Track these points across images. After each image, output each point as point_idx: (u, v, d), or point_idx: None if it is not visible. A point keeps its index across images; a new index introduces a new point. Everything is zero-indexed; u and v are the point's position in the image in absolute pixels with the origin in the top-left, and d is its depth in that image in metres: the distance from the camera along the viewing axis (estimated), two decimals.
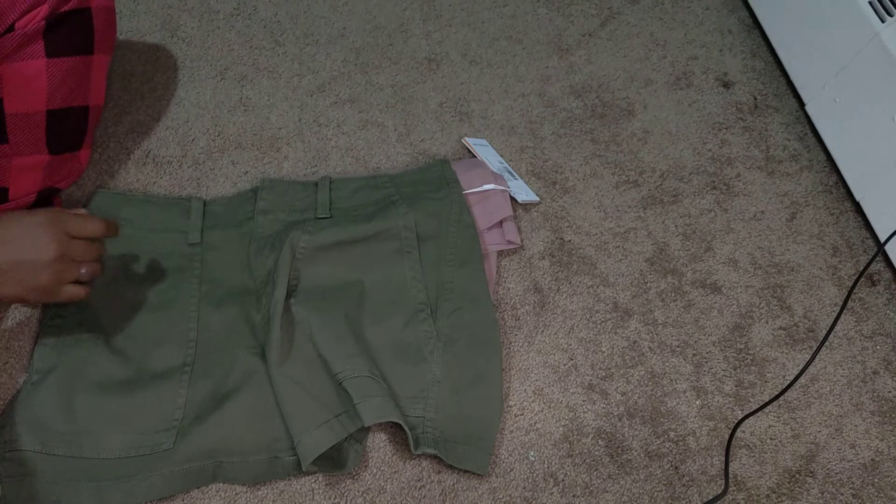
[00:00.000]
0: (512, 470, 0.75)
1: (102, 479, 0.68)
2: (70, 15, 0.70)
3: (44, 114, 0.71)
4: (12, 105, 0.69)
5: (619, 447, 0.77)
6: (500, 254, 0.89)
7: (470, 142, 0.97)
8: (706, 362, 0.84)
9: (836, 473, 0.78)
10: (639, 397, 0.80)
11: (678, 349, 0.84)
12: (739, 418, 0.80)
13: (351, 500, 0.72)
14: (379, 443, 0.75)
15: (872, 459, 0.79)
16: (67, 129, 0.75)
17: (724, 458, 0.77)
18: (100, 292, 0.78)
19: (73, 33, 0.72)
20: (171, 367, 0.74)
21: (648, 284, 0.89)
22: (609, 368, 0.82)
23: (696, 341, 0.85)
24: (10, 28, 0.67)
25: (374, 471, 0.73)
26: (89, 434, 0.69)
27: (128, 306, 0.78)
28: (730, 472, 0.76)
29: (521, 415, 0.78)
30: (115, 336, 0.76)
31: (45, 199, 0.77)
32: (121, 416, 0.70)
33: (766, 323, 0.87)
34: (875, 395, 0.83)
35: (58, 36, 0.70)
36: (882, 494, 0.77)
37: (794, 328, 0.87)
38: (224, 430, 0.70)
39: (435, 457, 0.73)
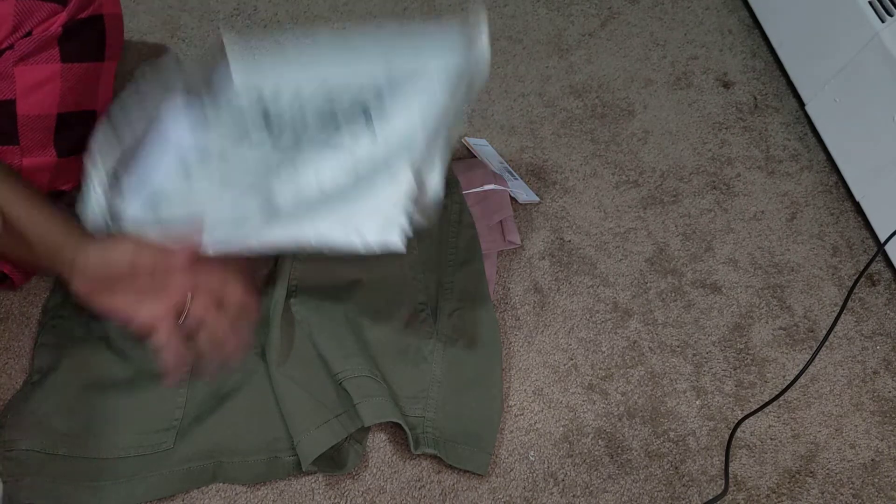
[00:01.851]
0: (512, 470, 0.75)
1: (102, 478, 0.68)
2: (85, 22, 0.73)
3: (55, 117, 0.73)
4: (25, 107, 0.70)
5: (619, 447, 0.77)
6: (500, 254, 0.89)
7: (470, 142, 0.97)
8: (706, 362, 0.84)
9: (836, 473, 0.78)
10: (639, 397, 0.80)
11: (678, 349, 0.84)
12: (739, 418, 0.80)
13: (351, 500, 0.72)
14: (379, 443, 0.75)
15: (872, 459, 0.79)
16: (75, 133, 0.77)
17: (724, 458, 0.77)
18: None
19: (87, 40, 0.75)
20: None
21: (648, 284, 0.89)
22: (609, 368, 0.82)
23: (696, 341, 0.85)
24: (28, 33, 0.69)
25: (375, 471, 0.73)
26: (89, 434, 0.69)
27: None
28: (730, 472, 0.76)
29: (521, 415, 0.78)
30: (115, 336, 0.76)
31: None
32: (121, 415, 0.70)
33: (766, 323, 0.87)
34: (875, 394, 0.83)
35: (73, 42, 0.72)
36: (882, 494, 0.77)
37: (794, 328, 0.87)
38: (224, 430, 0.70)
39: (435, 457, 0.73)
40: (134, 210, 0.72)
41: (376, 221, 0.65)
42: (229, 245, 0.69)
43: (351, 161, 0.70)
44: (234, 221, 0.71)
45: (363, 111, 0.71)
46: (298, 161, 0.71)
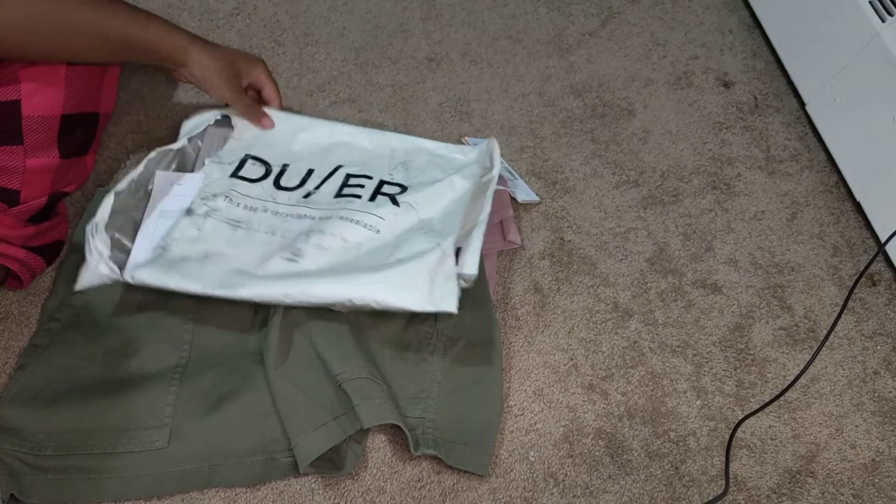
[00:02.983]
0: (512, 470, 0.75)
1: (94, 473, 0.68)
2: None
3: (58, 118, 0.73)
4: (29, 107, 0.70)
5: (619, 447, 0.77)
6: (500, 254, 0.89)
7: (470, 141, 0.97)
8: (706, 362, 0.84)
9: (837, 474, 0.78)
10: (639, 397, 0.80)
11: (678, 349, 0.84)
12: (740, 418, 0.80)
13: (351, 501, 0.71)
14: (379, 443, 0.75)
15: (873, 460, 0.79)
16: (78, 135, 0.77)
17: (724, 459, 0.77)
18: (97, 291, 0.78)
19: None
20: (163, 367, 0.74)
21: (649, 284, 0.89)
22: (609, 368, 0.82)
23: (696, 341, 0.85)
24: None
25: (374, 471, 0.73)
26: (78, 432, 0.69)
27: (123, 306, 0.78)
28: (730, 472, 0.76)
29: (522, 415, 0.78)
30: (109, 336, 0.76)
31: (54, 202, 0.78)
32: (107, 412, 0.70)
33: (767, 323, 0.87)
34: (875, 395, 0.83)
35: None
36: (883, 495, 0.77)
37: (795, 328, 0.87)
38: (220, 432, 0.70)
39: (435, 457, 0.73)
40: (142, 256, 0.75)
41: (427, 288, 0.71)
42: (256, 293, 0.72)
43: (381, 236, 0.77)
44: (256, 266, 0.74)
45: (390, 199, 0.80)
46: (325, 229, 0.77)
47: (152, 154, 0.79)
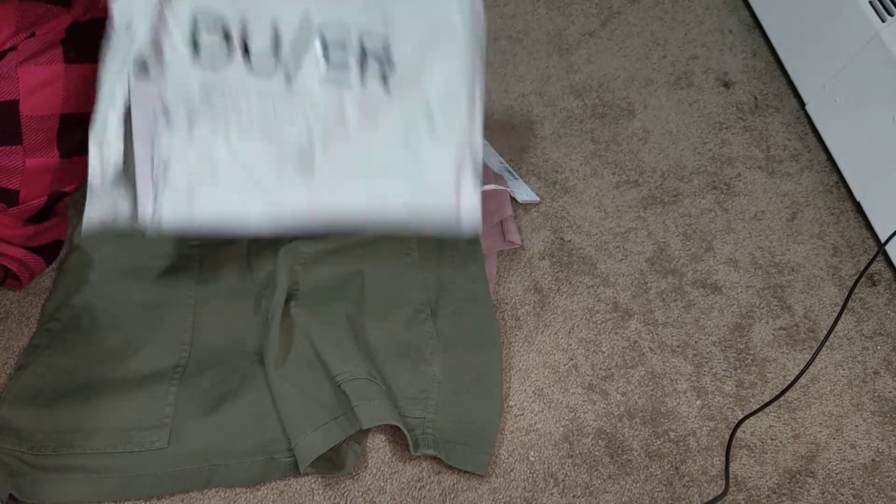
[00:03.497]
0: (512, 470, 0.75)
1: (94, 472, 0.68)
2: (89, 25, 0.73)
3: (57, 117, 0.73)
4: (28, 107, 0.71)
5: (619, 447, 0.77)
6: (500, 254, 0.89)
7: None
8: (706, 362, 0.84)
9: (837, 474, 0.78)
10: (639, 397, 0.80)
11: (678, 349, 0.84)
12: (740, 418, 0.80)
13: (351, 501, 0.71)
14: (379, 443, 0.75)
15: (873, 460, 0.79)
16: (77, 134, 0.77)
17: (724, 459, 0.77)
18: (97, 291, 0.78)
19: (91, 42, 0.75)
20: (162, 367, 0.74)
21: (649, 284, 0.89)
22: (609, 369, 0.82)
23: (696, 341, 0.85)
24: (31, 35, 0.69)
25: (374, 471, 0.73)
26: (77, 432, 0.69)
27: (123, 306, 0.78)
28: (730, 472, 0.76)
29: (522, 415, 0.78)
30: (109, 336, 0.76)
31: (54, 202, 0.79)
32: (107, 412, 0.70)
33: (767, 323, 0.87)
34: (875, 395, 0.83)
35: (76, 44, 0.73)
36: (883, 495, 0.77)
37: (795, 328, 0.87)
38: (220, 432, 0.70)
39: (435, 457, 0.73)
40: (146, 196, 0.67)
41: (452, 198, 0.67)
42: (244, 210, 0.66)
43: (380, 133, 0.69)
44: (274, 184, 0.67)
45: (377, 60, 0.70)
46: (327, 140, 0.69)
47: (133, 82, 0.66)
